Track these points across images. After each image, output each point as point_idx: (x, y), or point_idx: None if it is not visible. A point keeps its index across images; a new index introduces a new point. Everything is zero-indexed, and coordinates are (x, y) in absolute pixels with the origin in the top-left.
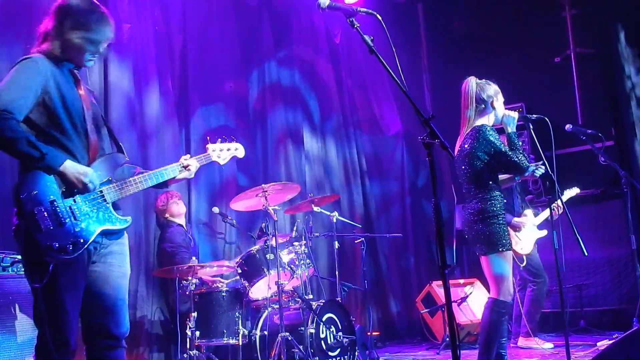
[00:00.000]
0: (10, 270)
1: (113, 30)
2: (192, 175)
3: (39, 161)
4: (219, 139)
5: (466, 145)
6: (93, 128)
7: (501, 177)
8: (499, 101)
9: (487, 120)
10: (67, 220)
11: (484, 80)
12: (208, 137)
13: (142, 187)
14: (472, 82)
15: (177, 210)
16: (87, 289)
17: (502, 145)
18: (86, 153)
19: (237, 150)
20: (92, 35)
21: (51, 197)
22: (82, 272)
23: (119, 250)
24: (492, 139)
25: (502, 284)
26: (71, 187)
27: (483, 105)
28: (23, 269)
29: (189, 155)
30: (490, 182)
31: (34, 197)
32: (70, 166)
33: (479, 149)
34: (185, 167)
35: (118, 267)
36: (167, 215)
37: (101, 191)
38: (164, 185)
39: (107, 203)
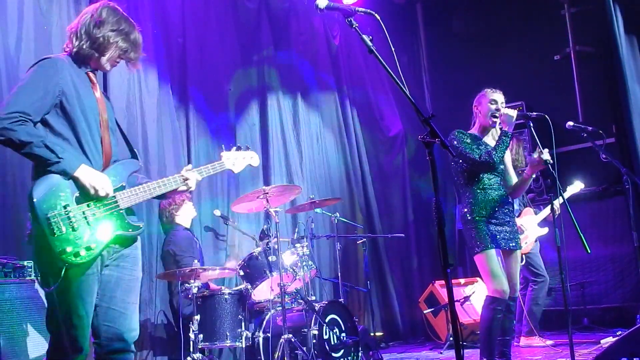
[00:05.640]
0: (12, 276)
1: (141, 41)
2: (193, 189)
3: (54, 165)
4: (234, 147)
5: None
6: (108, 132)
7: (512, 184)
8: (481, 105)
9: (477, 125)
10: (80, 225)
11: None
12: (222, 145)
13: (153, 195)
14: None
15: (190, 212)
16: (98, 293)
17: (464, 144)
18: (100, 157)
19: (252, 158)
20: (121, 38)
21: (65, 201)
22: (95, 278)
23: (131, 254)
24: (453, 142)
25: (493, 281)
26: (85, 192)
27: (473, 115)
28: (36, 274)
29: (190, 166)
30: (469, 184)
31: (47, 201)
32: (85, 171)
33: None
34: (185, 181)
35: (130, 271)
36: (178, 214)
37: (114, 197)
38: (163, 196)
39: (121, 209)
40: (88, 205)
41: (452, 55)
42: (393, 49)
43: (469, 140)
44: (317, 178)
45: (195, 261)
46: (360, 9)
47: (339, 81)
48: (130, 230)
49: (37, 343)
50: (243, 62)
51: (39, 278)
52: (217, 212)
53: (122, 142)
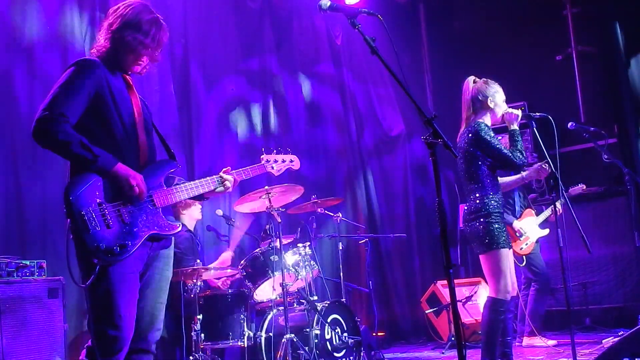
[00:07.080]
0: (15, 275)
1: (167, 38)
2: (230, 190)
3: (91, 163)
4: (274, 150)
5: (462, 143)
6: (144, 133)
7: (506, 179)
8: (496, 100)
9: (486, 119)
10: (114, 223)
11: (483, 79)
12: (263, 149)
13: (191, 195)
14: (469, 82)
15: (196, 214)
16: None
17: (496, 140)
18: (137, 158)
19: (293, 162)
20: (144, 37)
21: (100, 199)
22: (138, 277)
23: (165, 253)
24: (484, 135)
25: (500, 282)
26: (121, 191)
27: (479, 105)
28: (71, 271)
29: (229, 168)
30: (486, 180)
31: (82, 198)
32: (121, 169)
33: (473, 145)
34: (222, 182)
35: (161, 271)
36: (184, 213)
37: (151, 196)
38: (200, 197)
39: (157, 208)
40: (123, 204)
41: (454, 55)
42: (396, 51)
43: (493, 135)
44: (319, 178)
45: (198, 261)
46: (364, 10)
47: (340, 81)
48: (166, 229)
49: (39, 343)
50: (245, 62)
51: (72, 275)
52: (219, 212)
53: (160, 143)
